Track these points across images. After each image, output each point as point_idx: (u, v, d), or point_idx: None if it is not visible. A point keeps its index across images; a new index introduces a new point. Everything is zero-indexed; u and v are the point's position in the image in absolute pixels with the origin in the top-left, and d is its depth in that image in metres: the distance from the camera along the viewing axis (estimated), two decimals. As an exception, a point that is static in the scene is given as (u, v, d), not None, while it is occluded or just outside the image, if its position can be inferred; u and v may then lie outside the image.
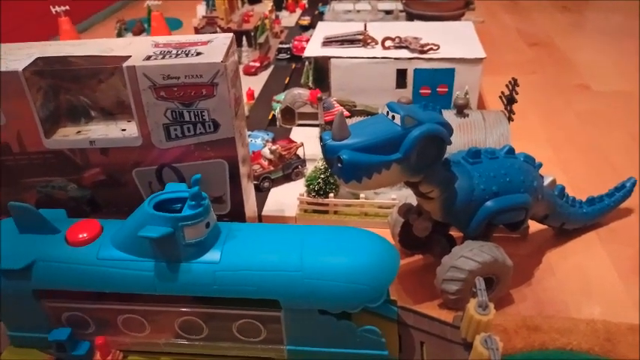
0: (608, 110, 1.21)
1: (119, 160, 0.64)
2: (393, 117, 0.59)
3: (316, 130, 1.07)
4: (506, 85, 0.89)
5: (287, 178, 0.94)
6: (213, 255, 0.49)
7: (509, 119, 0.88)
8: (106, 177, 0.65)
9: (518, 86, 0.87)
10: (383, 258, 0.50)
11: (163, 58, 0.60)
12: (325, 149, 0.59)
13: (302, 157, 0.96)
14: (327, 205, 0.84)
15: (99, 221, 0.52)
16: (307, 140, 0.99)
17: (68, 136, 0.65)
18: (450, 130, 0.60)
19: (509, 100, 0.88)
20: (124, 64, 0.59)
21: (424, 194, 0.64)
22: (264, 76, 1.42)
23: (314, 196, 0.84)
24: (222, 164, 0.65)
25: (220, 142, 0.64)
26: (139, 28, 1.71)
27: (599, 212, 0.80)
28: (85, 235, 0.50)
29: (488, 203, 0.64)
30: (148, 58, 0.60)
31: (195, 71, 0.59)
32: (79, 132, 0.66)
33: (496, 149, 0.69)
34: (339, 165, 0.57)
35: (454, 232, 0.74)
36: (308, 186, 0.84)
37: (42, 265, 0.49)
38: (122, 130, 0.66)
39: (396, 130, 0.58)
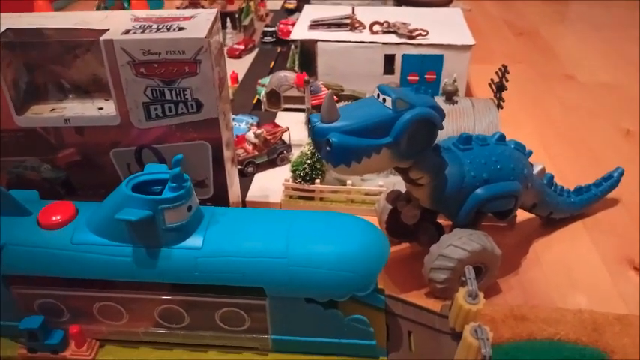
0: (594, 101, 1.21)
1: (96, 140, 0.61)
2: (384, 100, 0.57)
3: (302, 115, 1.04)
4: (496, 72, 0.88)
5: (272, 164, 0.92)
6: (195, 240, 0.46)
7: (499, 106, 0.87)
8: (81, 158, 0.62)
9: (508, 73, 0.86)
10: (372, 245, 0.48)
11: (143, 32, 0.57)
12: (313, 132, 0.57)
13: (287, 142, 0.94)
14: (312, 191, 0.82)
15: (74, 204, 0.49)
16: (293, 125, 0.97)
17: (41, 113, 0.61)
18: (442, 114, 0.59)
19: (499, 87, 0.87)
20: (102, 38, 0.55)
21: (414, 181, 0.62)
22: (249, 59, 1.39)
23: (299, 182, 0.82)
24: (205, 146, 0.63)
25: (203, 123, 0.61)
26: (119, 7, 1.65)
27: (586, 202, 0.80)
28: (58, 217, 0.47)
29: (479, 191, 0.63)
30: (127, 32, 0.57)
31: (177, 47, 0.56)
32: (53, 110, 0.62)
33: (487, 136, 0.68)
34: (328, 148, 0.55)
35: (442, 221, 0.73)
36: (294, 172, 0.82)
37: (12, 250, 0.46)
38: (99, 109, 0.63)
39: (387, 113, 0.56)
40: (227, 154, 0.67)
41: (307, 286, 0.45)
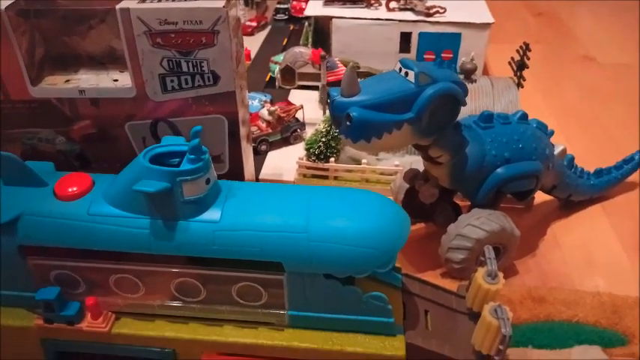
0: (613, 83, 1.18)
1: (111, 112, 0.60)
2: (406, 74, 0.56)
3: (315, 94, 1.03)
4: (517, 51, 0.86)
5: (285, 142, 0.91)
6: (212, 214, 0.45)
7: (519, 85, 0.85)
8: (96, 130, 0.61)
9: (530, 51, 0.84)
10: (393, 221, 0.47)
11: (160, 1, 0.55)
12: (333, 106, 0.55)
13: (301, 120, 0.92)
14: (327, 170, 0.81)
15: (90, 175, 0.48)
16: (306, 103, 0.95)
17: (56, 84, 0.60)
18: (465, 90, 0.57)
19: (520, 66, 0.85)
20: (118, 6, 0.54)
21: (433, 159, 0.61)
22: (261, 36, 1.37)
23: (314, 160, 0.81)
24: (221, 120, 0.62)
25: (220, 96, 0.60)
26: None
27: (606, 184, 0.78)
28: (75, 189, 0.46)
29: (499, 170, 0.62)
30: (144, 1, 0.55)
31: (194, 17, 0.54)
32: (67, 81, 0.61)
33: (509, 114, 0.67)
34: (348, 123, 0.54)
35: (459, 201, 0.72)
36: (308, 149, 0.81)
37: (28, 220, 0.45)
38: (114, 81, 0.62)
39: (409, 87, 0.55)
40: (243, 130, 0.66)
41: (327, 262, 0.44)
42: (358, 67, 1.02)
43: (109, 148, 0.62)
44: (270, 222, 0.45)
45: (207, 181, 0.46)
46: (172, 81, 0.59)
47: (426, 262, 0.68)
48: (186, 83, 0.59)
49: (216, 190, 0.47)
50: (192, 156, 0.45)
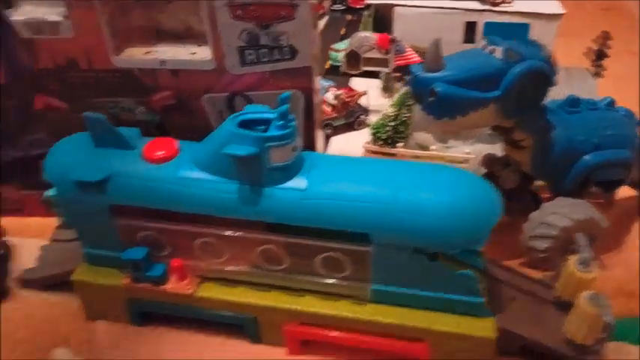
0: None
1: (190, 84, 0.60)
2: (493, 50, 0.54)
3: (377, 81, 1.01)
4: (594, 40, 0.82)
5: (349, 127, 0.89)
6: (298, 182, 0.45)
7: (599, 75, 0.81)
8: (175, 101, 0.61)
9: (610, 40, 0.80)
10: (486, 198, 0.45)
11: (243, -28, 0.55)
12: (416, 81, 0.54)
13: (364, 106, 0.91)
14: (394, 155, 0.79)
15: (176, 140, 0.48)
16: (368, 91, 0.94)
17: (136, 56, 0.61)
18: (554, 69, 0.54)
19: (599, 55, 0.81)
20: (202, -23, 0.54)
21: (516, 142, 0.59)
22: (318, 26, 1.36)
23: (381, 145, 0.79)
24: (297, 96, 0.61)
25: (297, 71, 0.59)
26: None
27: (695, 180, 0.73)
28: (163, 152, 0.46)
29: (587, 157, 0.58)
30: (227, -28, 0.55)
31: None
32: (147, 53, 0.62)
33: (596, 100, 0.63)
34: (431, 99, 0.52)
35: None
36: (374, 134, 0.79)
37: (119, 180, 0.45)
38: (192, 54, 0.62)
39: (496, 64, 0.53)
40: (316, 113, 0.65)
41: (417, 235, 0.43)
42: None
43: (186, 120, 0.62)
44: (357, 192, 0.44)
45: (294, 149, 0.45)
46: (251, 54, 0.58)
47: (502, 252, 0.64)
48: (264, 57, 0.58)
49: (301, 159, 0.46)
50: (281, 122, 0.44)
